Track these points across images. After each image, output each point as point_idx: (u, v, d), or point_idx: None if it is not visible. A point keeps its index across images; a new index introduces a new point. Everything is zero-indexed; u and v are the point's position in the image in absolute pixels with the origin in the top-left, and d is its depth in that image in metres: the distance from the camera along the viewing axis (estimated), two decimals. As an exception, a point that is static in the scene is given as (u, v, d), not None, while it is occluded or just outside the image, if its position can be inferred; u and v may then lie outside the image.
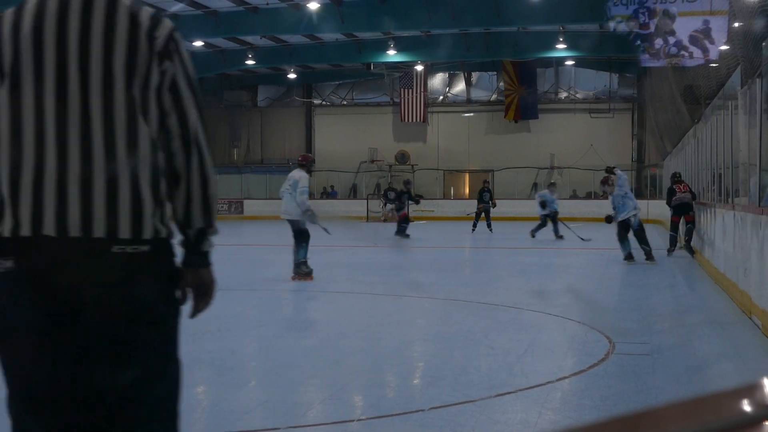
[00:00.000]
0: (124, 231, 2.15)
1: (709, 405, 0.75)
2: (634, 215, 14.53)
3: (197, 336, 7.83)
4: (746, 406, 0.72)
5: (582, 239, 19.53)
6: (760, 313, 7.62)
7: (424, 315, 9.57)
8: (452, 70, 41.28)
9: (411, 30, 31.55)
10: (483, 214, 24.31)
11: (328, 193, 42.01)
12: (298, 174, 11.98)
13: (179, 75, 2.26)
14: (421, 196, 26.09)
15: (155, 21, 2.27)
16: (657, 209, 32.44)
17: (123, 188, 2.15)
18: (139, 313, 2.21)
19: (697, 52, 13.97)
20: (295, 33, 32.74)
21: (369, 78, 41.36)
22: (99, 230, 2.14)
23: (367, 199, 36.91)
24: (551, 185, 22.44)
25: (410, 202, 22.72)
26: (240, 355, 7.00)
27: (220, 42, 35.38)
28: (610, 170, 15.34)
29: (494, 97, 41.44)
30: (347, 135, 42.97)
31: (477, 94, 42.12)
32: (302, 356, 7.00)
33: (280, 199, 12.28)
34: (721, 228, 11.23)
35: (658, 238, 17.00)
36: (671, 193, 16.26)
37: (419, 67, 38.96)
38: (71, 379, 2.18)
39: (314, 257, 12.44)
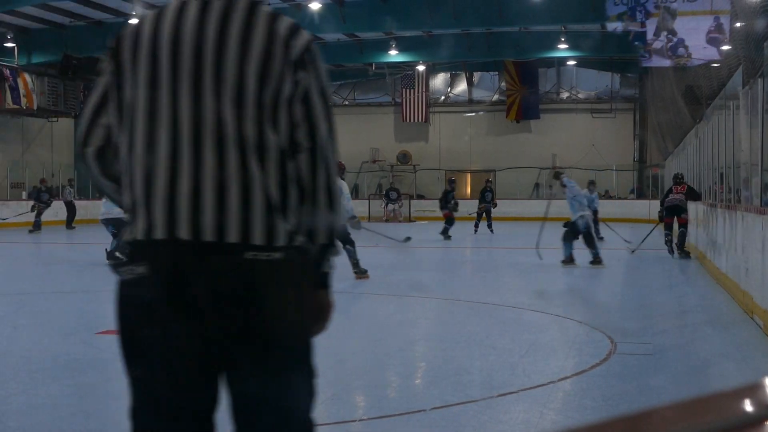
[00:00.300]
0: (258, 238, 2.12)
1: (711, 405, 0.76)
2: (581, 217, 14.33)
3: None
4: (748, 406, 0.72)
5: (626, 241, 18.52)
6: (762, 313, 7.62)
7: (426, 315, 9.57)
8: (454, 70, 41.27)
9: (413, 30, 31.57)
10: (484, 214, 24.24)
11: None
12: (339, 182, 12.04)
13: (312, 87, 2.23)
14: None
15: (293, 30, 2.25)
16: (658, 209, 32.45)
17: (256, 196, 2.14)
18: (272, 319, 2.18)
19: (710, 51, 13.97)
20: (296, 33, 32.72)
21: (371, 78, 41.35)
22: (232, 235, 2.11)
23: (368, 199, 36.91)
24: (591, 183, 20.76)
25: (454, 202, 22.56)
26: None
27: (222, 42, 35.35)
28: (557, 176, 15.36)
29: (496, 97, 41.43)
30: (349, 135, 42.91)
31: (479, 94, 42.12)
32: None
33: None
34: (723, 228, 11.23)
35: (660, 239, 17.00)
36: (667, 193, 16.21)
37: (421, 67, 38.96)
38: (206, 387, 2.21)
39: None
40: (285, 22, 2.26)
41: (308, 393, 2.29)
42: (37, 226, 25.40)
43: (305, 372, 2.29)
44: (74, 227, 28.40)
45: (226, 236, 2.11)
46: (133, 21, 2.38)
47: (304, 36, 2.27)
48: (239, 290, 2.12)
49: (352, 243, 12.15)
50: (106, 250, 14.77)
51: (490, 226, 24.05)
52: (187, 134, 2.15)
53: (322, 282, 2.36)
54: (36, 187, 27.70)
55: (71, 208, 28.81)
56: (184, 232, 2.11)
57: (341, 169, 12.83)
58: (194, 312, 2.11)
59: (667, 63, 16.91)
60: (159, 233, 2.12)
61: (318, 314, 2.38)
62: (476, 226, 24.33)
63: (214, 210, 2.11)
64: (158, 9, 2.30)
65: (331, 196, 2.27)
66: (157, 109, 2.18)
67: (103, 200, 14.57)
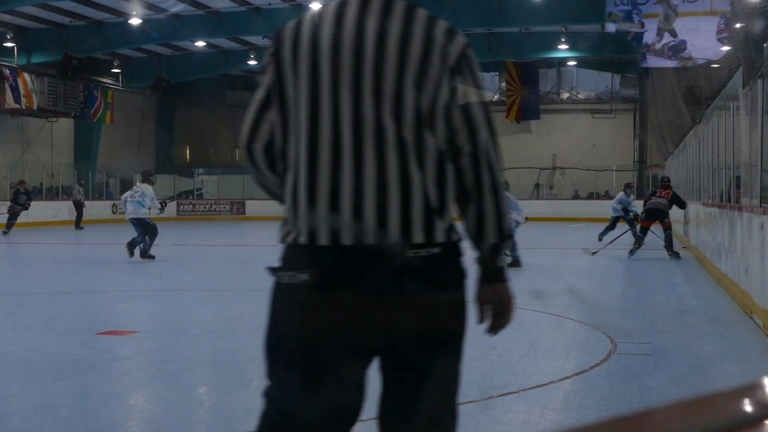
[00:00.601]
0: (418, 236, 2.17)
1: (710, 405, 0.76)
2: (515, 221, 14.31)
3: (199, 336, 7.84)
4: (747, 406, 0.73)
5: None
6: (762, 313, 7.62)
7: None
8: (454, 70, 41.25)
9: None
10: None
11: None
12: None
13: (470, 93, 2.24)
14: None
15: (449, 36, 2.28)
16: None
17: (415, 197, 2.18)
18: (433, 312, 2.24)
19: (711, 51, 13.97)
20: (296, 33, 32.71)
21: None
22: (394, 237, 2.17)
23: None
24: (628, 186, 20.18)
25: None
26: (242, 355, 6.99)
27: (222, 42, 35.38)
28: None
29: (496, 97, 41.44)
30: (349, 135, 43.00)
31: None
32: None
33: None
34: (723, 228, 11.23)
35: (659, 238, 16.99)
36: (650, 195, 16.40)
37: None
38: (358, 386, 2.31)
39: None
40: (441, 27, 2.29)
41: (458, 385, 2.34)
42: (9, 227, 24.74)
43: (459, 363, 2.33)
44: (83, 227, 28.39)
45: (387, 238, 2.16)
46: (294, 20, 2.44)
47: (460, 41, 2.30)
48: (406, 284, 2.16)
49: None
50: (140, 248, 14.93)
51: None
52: (347, 139, 2.19)
53: (499, 276, 2.38)
54: (15, 188, 27.12)
55: (80, 208, 28.77)
56: (347, 239, 2.16)
57: None
58: (357, 313, 2.17)
59: (666, 63, 16.91)
60: (323, 240, 2.17)
61: (499, 307, 2.40)
62: None
63: (375, 215, 2.16)
64: (318, 9, 2.38)
65: (497, 197, 2.28)
66: (319, 114, 2.22)
67: (127, 200, 15.19)
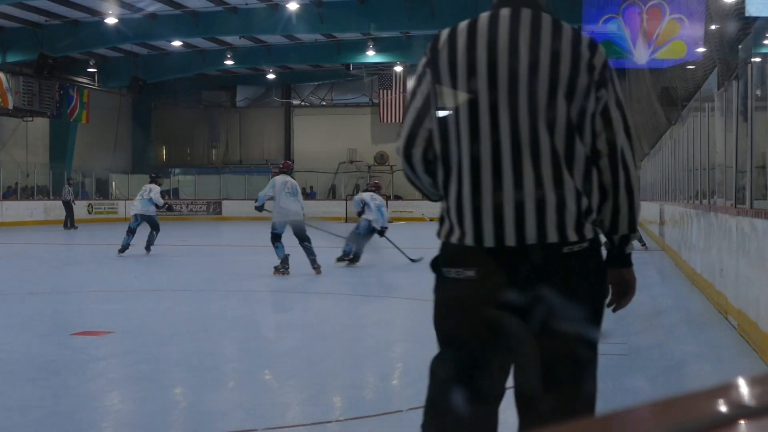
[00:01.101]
0: (572, 235, 2.42)
1: (686, 405, 0.76)
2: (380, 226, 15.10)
3: (175, 337, 7.81)
4: (722, 406, 0.73)
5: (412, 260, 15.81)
6: (736, 314, 7.68)
7: (404, 316, 9.57)
8: (431, 71, 41.32)
9: (390, 31, 31.62)
10: None
11: (307, 194, 41.95)
12: (292, 180, 12.97)
13: (611, 101, 2.46)
14: None
15: (593, 50, 2.47)
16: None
17: (569, 200, 2.41)
18: (583, 298, 2.49)
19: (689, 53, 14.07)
20: (273, 33, 32.67)
21: (348, 79, 41.37)
22: (552, 236, 2.40)
23: (345, 200, 36.90)
24: None
25: None
26: (218, 356, 6.97)
27: (199, 42, 35.25)
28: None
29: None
30: (326, 136, 42.93)
31: (456, 95, 42.24)
32: (281, 357, 6.99)
33: (254, 200, 12.54)
34: (698, 228, 11.31)
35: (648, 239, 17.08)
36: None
37: (398, 68, 39.01)
38: (505, 370, 2.59)
39: (294, 259, 12.47)
40: (585, 42, 2.48)
41: (596, 366, 2.59)
42: None
43: (597, 348, 2.57)
44: (77, 227, 28.19)
45: (546, 238, 2.40)
46: (445, 31, 2.60)
47: (602, 53, 2.50)
48: (559, 277, 2.44)
49: (308, 239, 12.85)
50: (149, 245, 15.95)
51: None
52: (507, 150, 2.40)
53: (627, 262, 2.63)
54: None
55: (69, 208, 28.56)
56: (510, 240, 2.40)
57: (289, 168, 13.40)
58: (517, 306, 2.41)
59: (643, 65, 17.01)
60: (488, 242, 2.41)
61: (625, 288, 2.64)
62: None
63: (535, 218, 2.40)
64: (469, 22, 2.57)
65: (630, 194, 2.52)
66: (479, 126, 2.42)
67: (138, 199, 16.85)
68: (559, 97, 2.39)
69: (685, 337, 7.85)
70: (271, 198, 12.86)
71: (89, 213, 35.56)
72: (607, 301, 2.62)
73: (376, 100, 41.38)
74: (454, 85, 2.45)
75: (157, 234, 16.86)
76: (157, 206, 16.80)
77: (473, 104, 2.42)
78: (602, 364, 6.10)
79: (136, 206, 16.95)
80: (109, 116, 41.09)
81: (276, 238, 12.80)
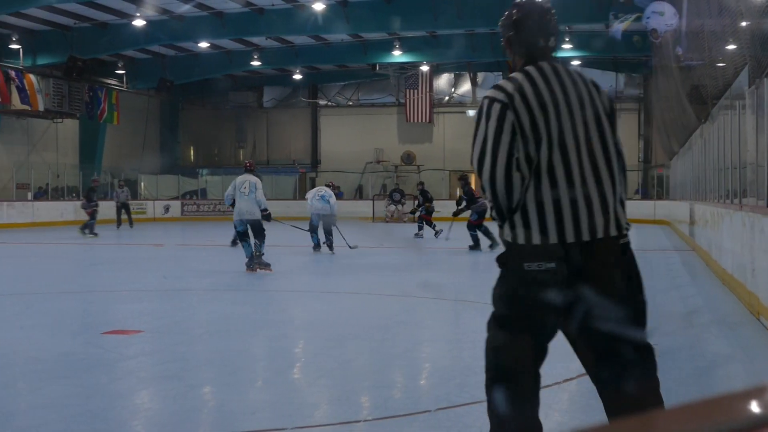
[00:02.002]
0: (623, 228, 3.20)
1: (717, 407, 0.75)
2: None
3: (204, 336, 7.85)
4: (755, 408, 0.72)
5: (350, 247, 17.65)
6: (768, 314, 7.60)
7: (432, 316, 9.56)
8: (458, 70, 41.23)
9: (417, 30, 31.59)
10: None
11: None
12: (253, 178, 13.41)
13: (616, 126, 3.39)
14: None
15: (600, 87, 3.41)
16: (663, 210, 32.37)
17: (619, 203, 3.25)
18: (635, 280, 3.21)
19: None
20: (300, 34, 32.75)
21: (374, 78, 41.34)
22: (613, 231, 3.16)
23: (372, 199, 36.90)
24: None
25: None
26: (247, 355, 7.00)
27: (226, 43, 35.41)
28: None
29: (500, 97, 41.35)
30: (353, 136, 42.94)
31: (483, 94, 41.98)
32: (309, 357, 7.01)
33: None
34: (729, 228, 11.20)
35: (665, 239, 16.96)
36: (476, 198, 17.95)
37: (425, 68, 38.95)
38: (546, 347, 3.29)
39: (321, 259, 12.47)
40: (593, 81, 3.42)
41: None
42: (89, 228, 24.60)
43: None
44: (132, 227, 28.39)
45: (609, 232, 3.15)
46: (507, 83, 3.37)
47: (606, 91, 3.46)
48: (619, 263, 3.19)
49: (263, 237, 13.29)
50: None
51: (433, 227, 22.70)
52: (589, 170, 3.20)
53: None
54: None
55: (127, 209, 28.79)
56: (585, 236, 3.11)
57: (252, 167, 13.98)
58: (588, 286, 3.06)
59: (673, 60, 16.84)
60: (569, 238, 3.10)
61: None
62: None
63: (602, 217, 3.15)
64: (524, 73, 3.30)
65: (624, 192, 3.36)
66: (569, 157, 3.20)
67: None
68: (606, 125, 3.29)
69: (717, 338, 7.77)
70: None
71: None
72: None
73: (402, 100, 41.34)
74: (535, 121, 3.15)
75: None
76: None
77: (557, 134, 3.16)
78: (632, 364, 5.94)
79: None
80: (138, 117, 41.37)
81: (240, 236, 13.34)
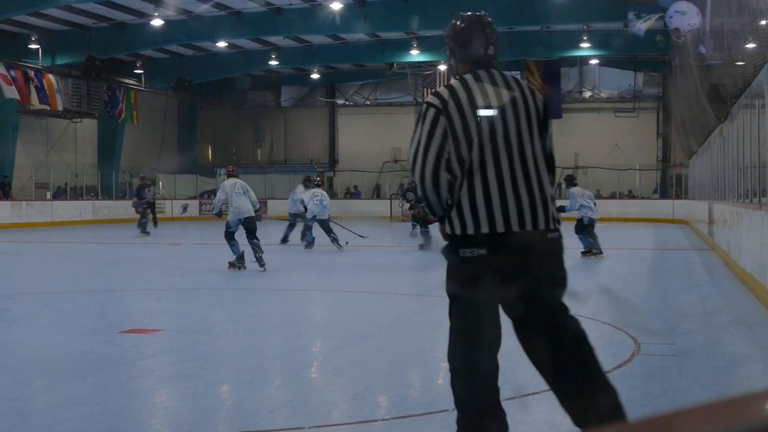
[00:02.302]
0: (552, 223, 3.60)
1: (736, 407, 0.75)
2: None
3: (221, 335, 7.88)
4: (775, 408, 0.72)
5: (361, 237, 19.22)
6: (788, 314, 7.54)
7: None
8: (476, 69, 41.13)
9: (434, 29, 31.51)
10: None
11: (352, 193, 41.98)
12: (241, 180, 14.13)
13: (550, 126, 3.82)
14: None
15: (535, 92, 3.80)
16: (682, 209, 32.21)
17: (547, 201, 3.62)
18: (560, 269, 3.64)
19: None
20: (318, 33, 32.80)
21: (392, 78, 41.36)
22: (542, 224, 3.56)
23: (390, 199, 36.89)
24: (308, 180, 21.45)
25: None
26: (264, 354, 7.02)
27: (244, 43, 35.50)
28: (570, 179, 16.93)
29: (518, 96, 41.27)
30: (370, 135, 42.96)
31: (501, 93, 41.97)
32: (327, 356, 7.02)
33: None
34: (748, 228, 11.13)
35: (684, 238, 16.90)
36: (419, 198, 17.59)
37: (442, 67, 38.88)
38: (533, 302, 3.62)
39: (339, 258, 12.48)
40: (529, 86, 3.84)
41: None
42: (142, 227, 24.62)
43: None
44: (156, 226, 28.39)
45: (538, 226, 3.55)
46: (444, 90, 3.76)
47: (540, 95, 3.86)
48: (550, 255, 3.61)
49: (257, 237, 13.91)
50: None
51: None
52: (518, 163, 3.60)
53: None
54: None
55: (153, 208, 28.87)
56: (515, 227, 3.51)
57: (236, 172, 14.59)
58: (516, 273, 3.52)
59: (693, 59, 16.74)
60: (499, 229, 3.50)
61: None
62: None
63: (530, 212, 3.55)
64: (459, 80, 3.69)
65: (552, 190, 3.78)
66: (500, 160, 3.58)
67: (290, 200, 19.72)
68: (536, 127, 3.67)
69: (736, 338, 7.72)
70: (225, 202, 14.00)
71: (134, 209, 35.97)
72: None
73: (420, 99, 41.30)
74: (467, 125, 3.53)
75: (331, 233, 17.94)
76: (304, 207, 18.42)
77: (488, 135, 3.54)
78: (651, 364, 6.04)
79: (294, 207, 19.14)
80: (156, 117, 41.55)
81: (230, 236, 13.83)
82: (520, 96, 3.65)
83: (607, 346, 6.95)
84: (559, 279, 3.64)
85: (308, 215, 18.03)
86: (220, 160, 46.83)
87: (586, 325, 8.45)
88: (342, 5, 28.46)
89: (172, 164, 42.20)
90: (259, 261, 13.61)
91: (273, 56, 36.13)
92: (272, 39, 34.69)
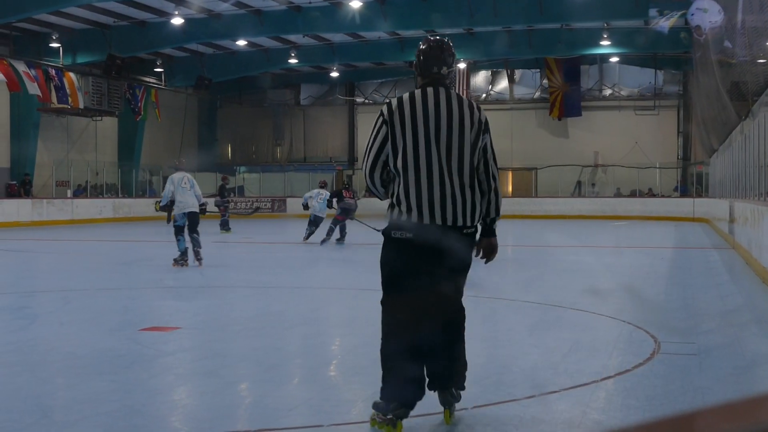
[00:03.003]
0: (468, 222, 4.38)
1: (758, 406, 0.75)
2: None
3: (241, 333, 7.90)
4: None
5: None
6: (810, 313, 7.48)
7: (468, 314, 9.51)
8: (495, 67, 41.09)
9: (454, 27, 31.48)
10: None
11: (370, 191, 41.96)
12: (189, 175, 14.33)
13: (488, 142, 4.53)
14: None
15: (479, 111, 4.49)
16: (702, 207, 32.02)
17: (468, 199, 4.36)
18: (466, 260, 4.48)
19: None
20: (337, 32, 32.83)
21: (411, 76, 41.28)
22: (459, 222, 4.34)
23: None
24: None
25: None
26: (284, 352, 7.04)
27: (264, 41, 35.59)
28: None
29: (537, 94, 41.20)
30: (390, 133, 42.91)
31: (520, 91, 41.89)
32: (346, 354, 7.03)
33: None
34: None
35: (704, 237, 16.80)
36: (339, 196, 19.85)
37: (462, 65, 38.83)
38: (435, 288, 4.39)
39: (360, 255, 12.47)
40: (475, 106, 4.51)
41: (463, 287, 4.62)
42: (224, 225, 25.38)
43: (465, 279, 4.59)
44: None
45: (456, 222, 4.32)
46: (394, 100, 4.58)
47: (483, 113, 4.53)
48: (460, 245, 4.36)
49: (198, 232, 14.15)
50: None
51: None
52: (438, 168, 4.36)
53: (494, 234, 4.59)
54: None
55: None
56: (438, 221, 4.28)
57: (184, 166, 14.83)
58: (433, 256, 4.29)
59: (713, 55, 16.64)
60: (425, 220, 4.28)
61: (490, 251, 4.59)
62: None
63: (451, 209, 4.30)
64: (409, 94, 4.46)
65: (497, 195, 4.54)
66: (423, 155, 4.35)
67: (312, 203, 20.35)
68: (468, 139, 4.37)
69: (757, 336, 7.67)
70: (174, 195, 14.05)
71: (156, 210, 36.15)
72: (482, 258, 4.59)
73: (439, 97, 41.28)
74: (404, 133, 4.33)
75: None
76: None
77: (422, 143, 4.32)
78: (672, 363, 6.02)
79: (316, 208, 20.00)
80: (176, 115, 41.73)
81: (178, 230, 13.98)
82: (458, 111, 4.37)
83: (627, 345, 6.92)
84: (461, 268, 4.46)
85: (311, 212, 19.74)
86: (240, 158, 46.97)
87: (607, 324, 8.46)
88: (362, 3, 28.48)
89: (192, 162, 42.29)
90: (197, 255, 13.95)
91: (293, 54, 36.19)
92: (292, 37, 34.75)
